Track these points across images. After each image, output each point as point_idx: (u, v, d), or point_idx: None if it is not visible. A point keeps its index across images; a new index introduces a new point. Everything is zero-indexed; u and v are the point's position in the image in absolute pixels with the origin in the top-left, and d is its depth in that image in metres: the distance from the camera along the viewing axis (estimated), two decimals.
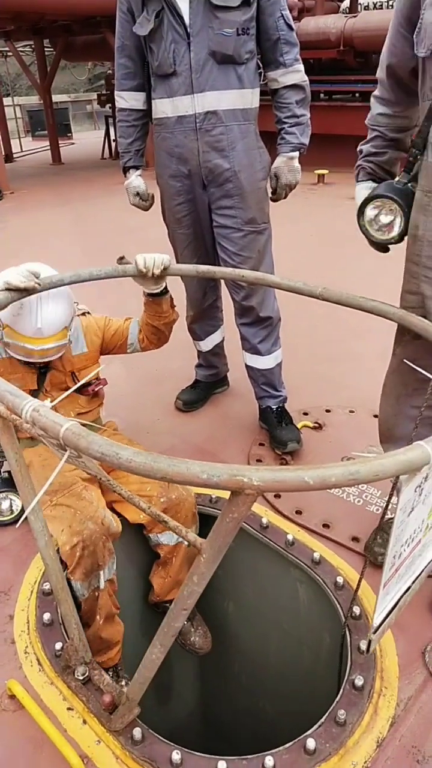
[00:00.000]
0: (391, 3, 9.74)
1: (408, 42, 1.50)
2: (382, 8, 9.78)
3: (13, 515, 2.02)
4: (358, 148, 1.81)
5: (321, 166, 8.01)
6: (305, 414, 2.66)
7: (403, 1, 1.50)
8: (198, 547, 0.95)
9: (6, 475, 2.03)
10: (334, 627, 1.72)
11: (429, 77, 1.45)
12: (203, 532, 1.82)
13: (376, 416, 2.67)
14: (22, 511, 1.94)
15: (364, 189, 1.76)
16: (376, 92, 1.72)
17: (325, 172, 8.01)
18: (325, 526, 2.01)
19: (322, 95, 9.13)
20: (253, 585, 2.14)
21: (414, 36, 1.44)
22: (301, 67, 2.13)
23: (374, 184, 1.72)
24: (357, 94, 8.83)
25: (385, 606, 1.10)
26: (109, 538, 1.72)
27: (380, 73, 1.67)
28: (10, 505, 2.02)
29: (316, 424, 2.58)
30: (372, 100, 1.75)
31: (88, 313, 2.11)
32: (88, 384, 1.99)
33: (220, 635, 2.19)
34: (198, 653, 1.99)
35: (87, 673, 1.51)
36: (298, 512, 2.07)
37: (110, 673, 1.76)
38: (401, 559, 1.09)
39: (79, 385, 1.81)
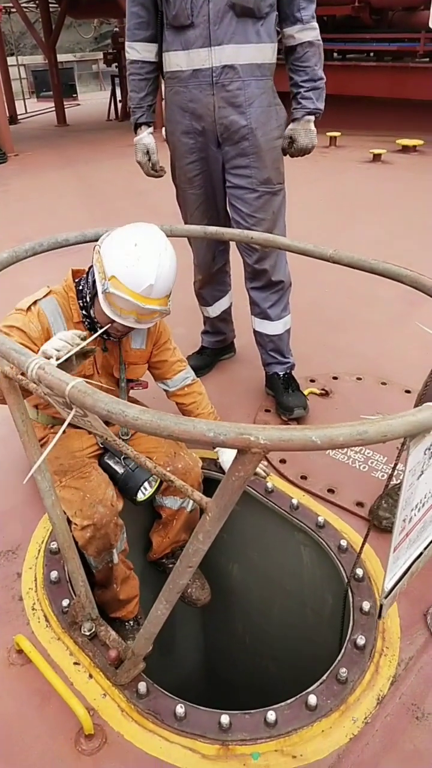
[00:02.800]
0: None
1: None
2: None
3: None
4: None
5: (333, 128, 7.78)
6: (312, 381, 2.64)
7: None
8: (204, 505, 0.95)
9: None
10: (337, 589, 1.74)
11: None
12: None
13: (383, 383, 2.67)
14: None
15: None
16: None
17: (337, 134, 7.79)
18: (330, 491, 2.02)
19: (335, 54, 8.84)
20: (257, 548, 2.16)
21: None
22: (316, 24, 2.05)
23: None
24: (372, 54, 8.52)
25: (396, 571, 1.10)
26: (118, 517, 1.74)
27: None
28: None
29: (323, 391, 2.56)
30: None
31: None
32: (129, 381, 1.95)
33: (224, 596, 2.23)
34: (196, 605, 2.03)
35: (93, 629, 1.54)
36: (303, 477, 2.07)
37: (131, 623, 1.85)
38: (412, 523, 1.09)
39: (97, 335, 1.66)
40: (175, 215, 2.56)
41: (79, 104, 16.84)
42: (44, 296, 1.76)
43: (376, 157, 6.85)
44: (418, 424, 0.89)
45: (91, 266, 1.72)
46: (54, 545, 1.78)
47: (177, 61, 2.09)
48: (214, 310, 2.74)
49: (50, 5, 12.97)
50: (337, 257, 1.61)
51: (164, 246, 1.61)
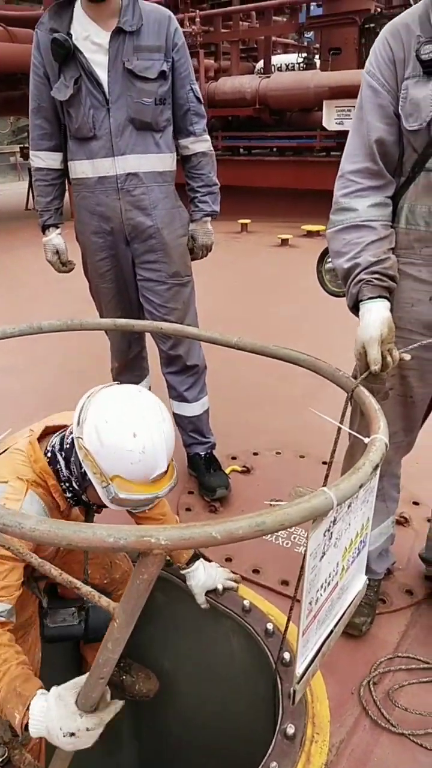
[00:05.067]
0: (300, 64, 10.51)
1: (392, 119, 1.44)
2: (294, 70, 10.53)
3: None
4: (346, 264, 1.48)
5: (243, 215, 8.36)
6: (233, 458, 2.69)
7: (380, 81, 1.44)
8: (111, 612, 0.94)
9: None
10: (268, 675, 1.71)
11: (410, 151, 1.44)
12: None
13: (301, 456, 2.75)
14: None
15: (382, 309, 1.42)
16: (353, 186, 1.48)
17: (247, 221, 8.36)
18: (255, 571, 2.02)
19: (241, 150, 9.61)
20: (187, 639, 2.10)
21: (400, 110, 1.41)
22: (208, 137, 2.27)
23: (388, 303, 1.44)
24: (274, 149, 9.34)
25: (307, 655, 1.11)
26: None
27: (363, 158, 1.47)
28: None
29: (245, 468, 2.61)
30: (349, 199, 1.48)
31: None
32: None
33: (158, 695, 2.11)
34: (149, 696, 1.93)
35: (6, 754, 1.42)
36: (228, 559, 2.07)
37: None
38: (318, 604, 1.11)
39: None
40: (91, 303, 2.62)
41: None
42: (24, 495, 1.43)
43: (284, 242, 7.37)
44: (314, 510, 0.93)
45: (66, 447, 1.46)
46: None
47: (82, 169, 2.22)
48: None
49: None
50: (241, 344, 1.70)
51: (160, 415, 1.37)
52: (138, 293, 2.39)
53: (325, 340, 3.70)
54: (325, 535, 1.04)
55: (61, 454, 1.46)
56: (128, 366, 2.68)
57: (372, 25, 7.62)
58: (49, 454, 1.48)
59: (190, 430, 2.51)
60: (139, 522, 1.71)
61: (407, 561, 2.10)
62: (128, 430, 1.29)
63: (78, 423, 1.35)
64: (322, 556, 1.07)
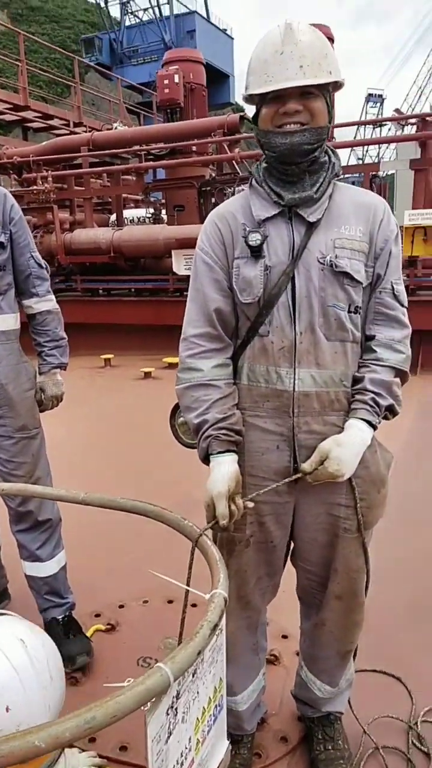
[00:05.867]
0: (149, 218, 11.61)
1: (227, 292, 1.59)
2: (144, 222, 11.59)
3: None
4: (195, 420, 1.57)
5: (106, 350, 8.59)
6: (97, 616, 2.52)
7: (214, 258, 1.59)
8: None
9: None
10: None
11: (243, 318, 1.58)
12: None
13: (170, 602, 2.65)
14: None
15: (230, 462, 1.51)
16: (197, 348, 1.59)
17: (110, 356, 8.58)
18: (122, 748, 1.83)
19: (101, 291, 10.10)
20: None
21: (234, 285, 1.55)
22: (53, 296, 2.38)
23: (236, 455, 1.54)
24: (132, 290, 9.96)
25: None
26: None
27: (203, 324, 1.59)
28: None
29: (109, 626, 2.44)
30: (194, 360, 1.59)
31: None
32: None
33: None
34: None
35: None
36: (92, 740, 1.86)
37: None
38: None
39: None
40: None
41: None
42: None
43: (147, 375, 7.63)
44: (150, 691, 0.89)
45: None
46: None
47: None
48: None
49: None
50: (89, 500, 1.68)
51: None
52: None
53: (197, 478, 3.77)
54: (168, 714, 0.99)
55: None
56: None
57: (207, 188, 8.81)
58: None
59: (45, 592, 2.33)
60: None
61: (279, 703, 2.04)
62: None
63: None
64: (169, 737, 1.00)
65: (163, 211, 10.76)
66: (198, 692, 1.10)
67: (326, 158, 1.53)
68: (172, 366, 8.10)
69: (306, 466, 1.49)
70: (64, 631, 2.26)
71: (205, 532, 1.39)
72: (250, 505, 1.53)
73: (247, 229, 1.53)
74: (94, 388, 7.23)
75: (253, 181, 1.58)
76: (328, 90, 1.45)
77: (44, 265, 2.35)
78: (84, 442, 5.17)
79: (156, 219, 10.86)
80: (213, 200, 8.74)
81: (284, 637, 2.36)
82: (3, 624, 1.25)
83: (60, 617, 2.31)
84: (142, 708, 0.91)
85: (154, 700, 0.93)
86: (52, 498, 1.71)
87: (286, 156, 1.45)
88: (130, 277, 9.71)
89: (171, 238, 8.63)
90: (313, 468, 1.48)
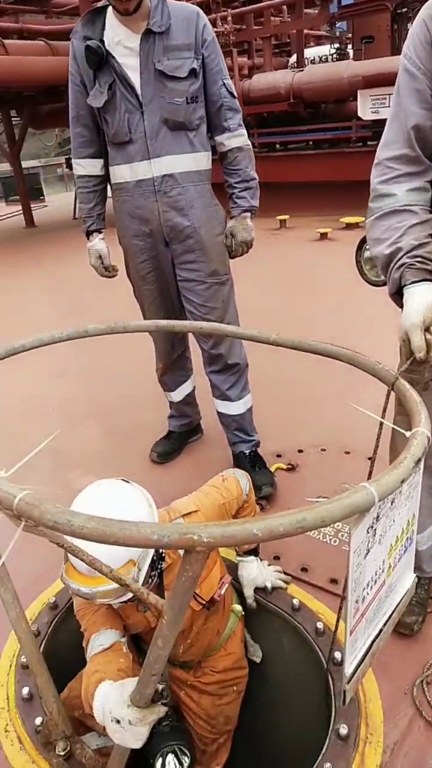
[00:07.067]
0: (333, 55, 10.35)
1: (429, 104, 1.39)
2: (327, 61, 10.39)
3: None
4: (386, 250, 1.43)
5: (282, 211, 8.31)
6: (278, 456, 2.68)
7: (417, 64, 1.39)
8: (159, 608, 0.96)
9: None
10: (320, 674, 1.70)
11: None
12: None
13: (347, 453, 2.71)
14: None
15: (426, 293, 1.35)
16: (391, 173, 1.45)
17: (286, 217, 8.30)
18: (303, 569, 2.01)
19: (277, 146, 9.54)
20: None
21: None
22: (244, 131, 2.26)
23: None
24: (310, 143, 9.24)
25: (356, 654, 1.10)
26: None
27: (401, 145, 1.44)
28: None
29: (290, 466, 2.60)
30: (387, 186, 1.45)
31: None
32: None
33: None
34: None
35: (68, 748, 1.47)
36: (276, 557, 2.06)
37: None
38: (365, 603, 1.10)
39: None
40: (136, 307, 2.68)
41: (46, 206, 17.59)
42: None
43: (323, 236, 7.28)
44: (355, 506, 0.92)
45: None
46: (25, 659, 1.71)
47: (121, 173, 2.26)
48: (178, 395, 2.81)
49: (12, 118, 13.85)
50: (280, 341, 1.69)
51: (119, 514, 1.29)
52: (179, 294, 2.42)
53: (368, 332, 3.65)
54: (368, 532, 1.03)
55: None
56: (172, 366, 2.72)
57: (404, 10, 7.43)
58: None
59: (234, 428, 2.52)
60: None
61: None
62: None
63: None
64: (367, 554, 1.05)
65: (349, 47, 9.46)
66: (394, 520, 1.13)
67: None
68: (350, 226, 7.60)
69: None
70: (251, 464, 2.46)
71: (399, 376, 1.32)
72: None
73: None
74: (270, 250, 7.12)
75: None
76: None
77: (236, 95, 2.22)
78: (263, 295, 5.22)
79: (341, 55, 9.63)
80: (409, 26, 7.40)
81: None
82: (133, 487, 1.54)
83: (247, 452, 2.50)
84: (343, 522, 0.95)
85: (357, 516, 0.97)
86: (245, 338, 1.75)
87: None
88: (309, 127, 8.95)
89: (357, 76, 7.62)
90: None
